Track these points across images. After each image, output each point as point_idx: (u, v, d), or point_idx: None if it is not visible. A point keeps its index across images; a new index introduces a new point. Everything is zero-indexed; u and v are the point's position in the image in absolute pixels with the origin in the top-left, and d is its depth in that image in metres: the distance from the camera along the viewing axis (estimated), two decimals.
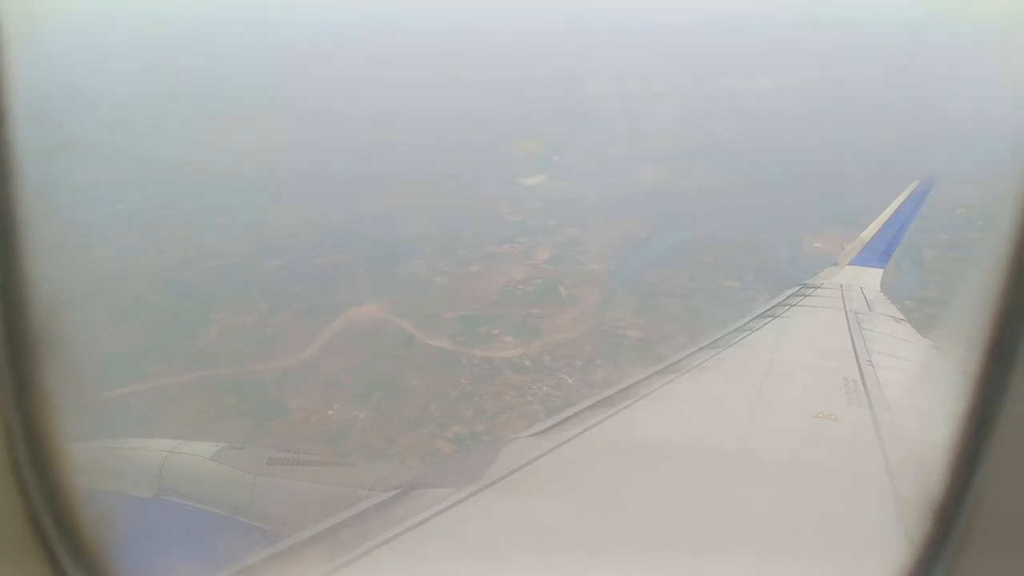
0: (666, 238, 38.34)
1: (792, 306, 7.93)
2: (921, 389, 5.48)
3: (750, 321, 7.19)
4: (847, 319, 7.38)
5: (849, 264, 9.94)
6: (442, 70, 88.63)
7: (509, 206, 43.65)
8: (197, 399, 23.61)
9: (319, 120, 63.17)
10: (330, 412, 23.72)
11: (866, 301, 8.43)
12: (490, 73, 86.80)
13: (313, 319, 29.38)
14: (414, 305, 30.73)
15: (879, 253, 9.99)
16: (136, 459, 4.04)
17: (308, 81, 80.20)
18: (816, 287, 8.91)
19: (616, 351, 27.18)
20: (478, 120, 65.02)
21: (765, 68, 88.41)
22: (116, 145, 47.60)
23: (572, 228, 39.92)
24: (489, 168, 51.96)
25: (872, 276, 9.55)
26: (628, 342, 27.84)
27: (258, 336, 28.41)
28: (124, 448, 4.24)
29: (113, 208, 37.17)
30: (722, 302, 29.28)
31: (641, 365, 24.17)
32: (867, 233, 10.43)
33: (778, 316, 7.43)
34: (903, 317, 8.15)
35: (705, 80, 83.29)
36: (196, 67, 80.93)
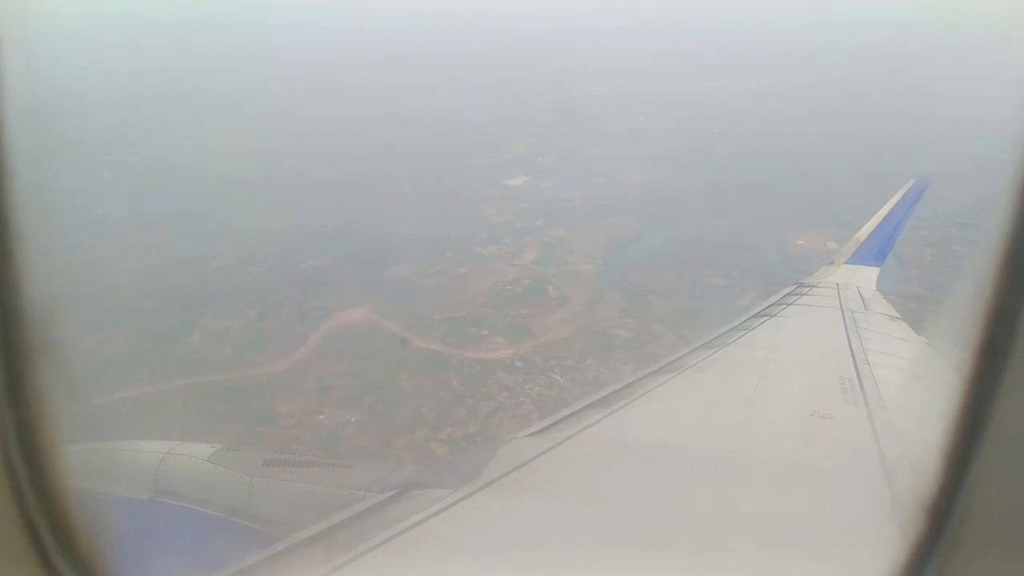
0: (653, 238, 38.63)
1: (788, 305, 7.89)
2: (917, 388, 5.48)
3: (746, 320, 7.14)
4: (843, 318, 7.37)
5: (845, 263, 9.87)
6: (425, 72, 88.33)
7: (494, 207, 43.69)
8: (186, 405, 23.28)
9: (303, 123, 62.57)
10: (321, 417, 23.52)
11: (862, 300, 8.42)
12: (472, 74, 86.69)
13: (301, 323, 29.17)
14: (403, 307, 30.59)
15: (875, 252, 9.96)
16: (132, 461, 4.00)
17: (293, 84, 79.41)
18: (812, 286, 8.88)
19: (606, 350, 27.31)
20: (461, 121, 64.90)
21: (754, 68, 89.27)
22: (102, 148, 46.80)
23: (558, 229, 40.07)
24: (473, 169, 51.90)
25: (868, 275, 9.51)
26: (618, 341, 27.99)
27: (246, 341, 28.07)
28: (120, 450, 4.20)
29: (96, 213, 36.54)
30: (710, 301, 29.64)
31: (632, 364, 24.41)
32: (863, 232, 10.38)
33: (774, 315, 7.42)
34: (899, 316, 8.15)
35: (692, 80, 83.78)
36: (182, 69, 79.80)
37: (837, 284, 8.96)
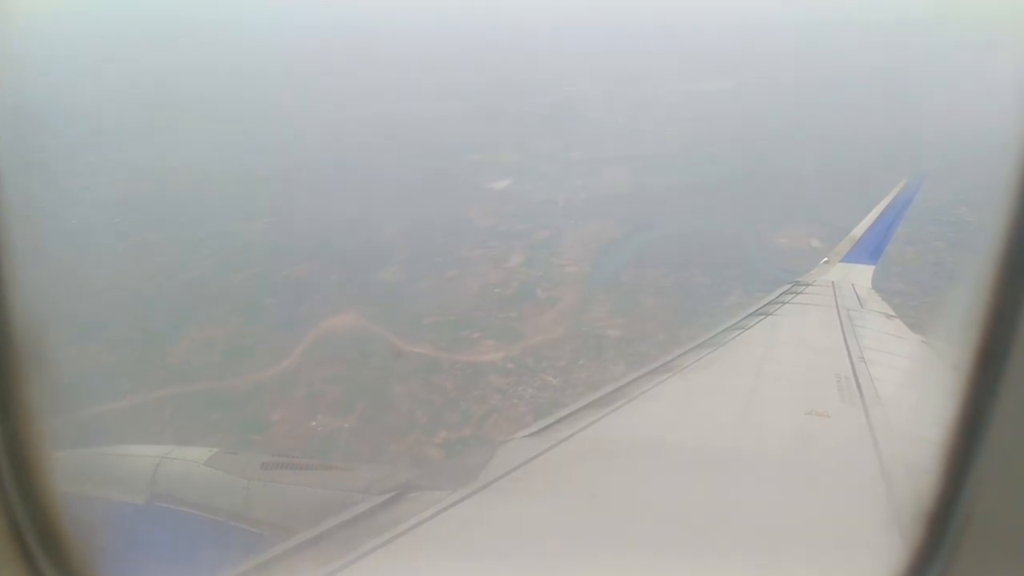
0: (639, 238, 38.88)
1: (784, 303, 8.00)
2: (914, 386, 5.60)
3: (743, 319, 7.23)
4: (839, 316, 7.46)
5: (840, 261, 9.99)
6: (406, 74, 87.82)
7: (479, 210, 43.53)
8: (174, 416, 22.87)
9: (284, 127, 61.80)
10: (314, 423, 23.28)
11: (857, 298, 8.52)
12: (452, 77, 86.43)
13: (288, 329, 28.80)
14: (391, 312, 30.41)
15: (870, 250, 10.10)
16: (129, 465, 3.99)
17: (273, 87, 78.25)
18: (808, 284, 8.98)
19: (597, 351, 27.40)
20: (440, 124, 64.59)
21: (741, 67, 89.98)
22: (80, 154, 45.77)
23: (544, 231, 40.08)
24: (455, 172, 51.74)
25: (863, 273, 9.64)
26: (608, 341, 28.08)
27: (234, 349, 27.70)
28: (116, 455, 4.17)
29: (75, 220, 35.73)
30: (698, 300, 29.95)
31: (623, 364, 24.56)
32: (858, 230, 10.52)
33: (771, 314, 7.51)
34: (894, 314, 8.23)
35: (676, 80, 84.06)
36: (163, 72, 78.27)
37: (833, 282, 9.08)
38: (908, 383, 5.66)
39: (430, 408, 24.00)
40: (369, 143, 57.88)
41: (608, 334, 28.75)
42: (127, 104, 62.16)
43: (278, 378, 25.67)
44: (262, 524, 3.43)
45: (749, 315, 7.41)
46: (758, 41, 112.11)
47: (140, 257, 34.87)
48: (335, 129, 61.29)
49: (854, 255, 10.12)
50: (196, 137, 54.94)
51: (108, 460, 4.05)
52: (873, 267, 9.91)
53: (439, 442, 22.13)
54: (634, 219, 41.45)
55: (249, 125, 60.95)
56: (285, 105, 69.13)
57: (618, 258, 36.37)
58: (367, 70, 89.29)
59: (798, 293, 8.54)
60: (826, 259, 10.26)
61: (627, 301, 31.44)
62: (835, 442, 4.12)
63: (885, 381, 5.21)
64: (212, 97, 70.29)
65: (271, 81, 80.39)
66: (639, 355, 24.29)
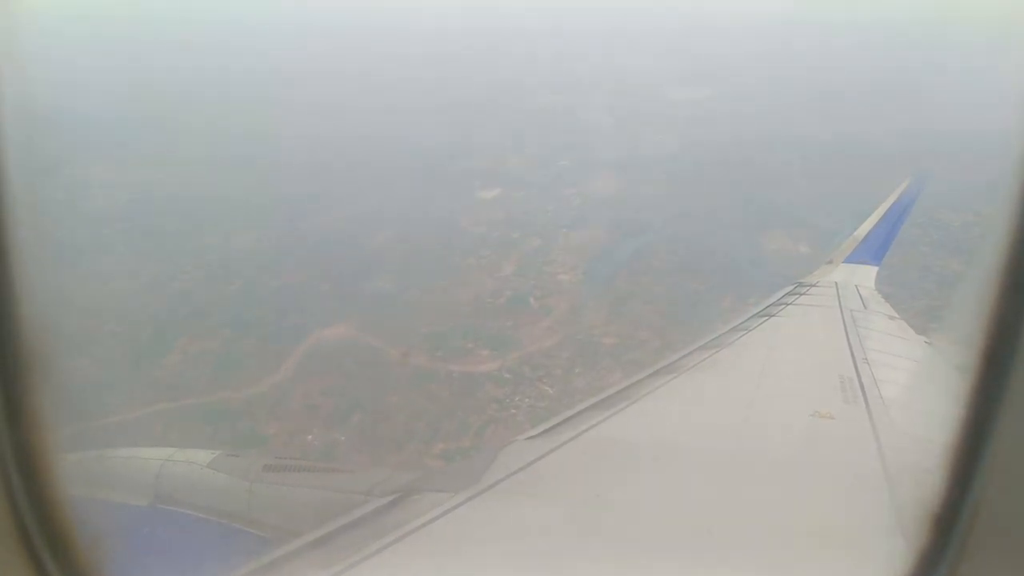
0: (630, 244, 38.90)
1: (788, 304, 7.98)
2: (918, 387, 5.60)
3: (746, 320, 7.22)
4: (842, 317, 7.45)
5: (843, 262, 9.99)
6: (396, 80, 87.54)
7: (469, 219, 43.50)
8: (167, 431, 22.59)
9: (272, 136, 61.27)
10: (310, 437, 23.12)
11: (861, 299, 8.54)
12: (443, 82, 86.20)
13: (281, 342, 28.58)
14: (384, 322, 30.27)
15: (873, 250, 10.13)
16: (131, 467, 4.00)
17: (258, 96, 77.66)
18: (811, 285, 8.98)
19: (593, 358, 27.45)
20: (431, 131, 64.37)
21: (733, 71, 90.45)
22: (64, 165, 45.09)
23: (535, 239, 40.09)
24: (446, 180, 51.65)
25: (866, 273, 9.69)
26: (604, 349, 28.15)
27: (224, 363, 27.39)
28: (119, 457, 4.19)
29: (58, 232, 35.11)
30: (691, 304, 30.12)
31: (619, 371, 24.59)
32: (861, 231, 10.51)
33: (774, 315, 7.49)
34: (897, 315, 8.28)
35: (668, 84, 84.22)
36: (144, 79, 77.37)
37: (836, 283, 9.09)
38: (912, 384, 5.69)
39: (427, 419, 23.89)
40: (359, 151, 57.60)
41: (603, 342, 28.81)
42: (116, 114, 61.34)
43: (272, 390, 25.47)
44: (265, 526, 3.43)
45: (752, 316, 7.40)
46: (753, 43, 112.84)
47: (130, 267, 34.43)
48: (325, 137, 60.90)
49: (857, 256, 10.13)
50: (185, 146, 54.35)
51: (112, 463, 4.06)
52: (876, 268, 9.97)
53: (437, 453, 22.03)
54: (625, 226, 41.48)
55: (241, 130, 60.34)
56: (275, 112, 68.50)
57: (612, 265, 36.40)
58: (357, 75, 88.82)
59: (801, 294, 8.55)
60: (829, 260, 10.26)
61: (621, 308, 31.52)
62: (839, 444, 4.12)
63: (889, 382, 5.22)
64: (200, 105, 69.56)
65: (261, 86, 79.84)
66: (635, 362, 24.38)
